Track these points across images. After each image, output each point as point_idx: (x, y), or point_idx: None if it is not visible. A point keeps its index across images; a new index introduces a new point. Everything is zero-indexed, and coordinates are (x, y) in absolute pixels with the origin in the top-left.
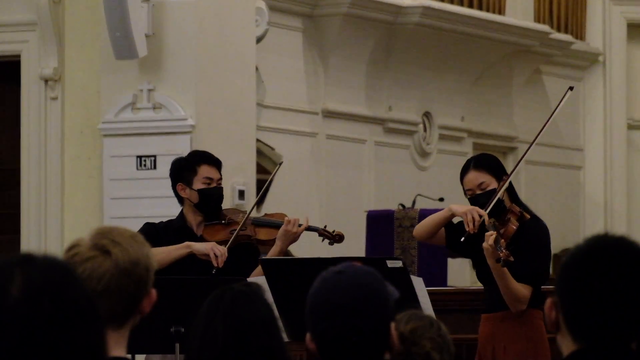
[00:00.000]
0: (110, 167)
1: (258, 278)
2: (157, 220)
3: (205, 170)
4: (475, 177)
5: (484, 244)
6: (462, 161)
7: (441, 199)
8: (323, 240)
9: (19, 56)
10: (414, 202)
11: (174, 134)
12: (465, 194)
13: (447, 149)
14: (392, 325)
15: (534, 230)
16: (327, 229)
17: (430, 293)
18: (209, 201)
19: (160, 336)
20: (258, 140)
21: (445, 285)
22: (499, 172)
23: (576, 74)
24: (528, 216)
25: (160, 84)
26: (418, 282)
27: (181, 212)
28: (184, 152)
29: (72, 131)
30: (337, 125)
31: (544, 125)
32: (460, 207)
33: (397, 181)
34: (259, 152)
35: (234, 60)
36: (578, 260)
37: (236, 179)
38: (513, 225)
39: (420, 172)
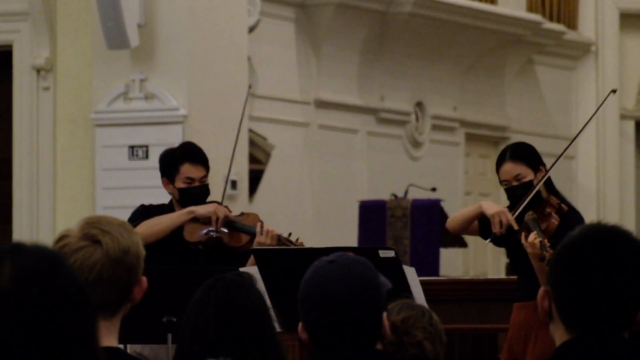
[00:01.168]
0: (103, 157)
1: (250, 268)
2: None
3: (187, 169)
4: (512, 169)
5: (530, 250)
6: (455, 151)
7: (434, 189)
8: None
9: (11, 46)
10: (406, 192)
11: (166, 124)
12: (500, 183)
13: (440, 138)
14: (384, 315)
15: (572, 223)
16: (290, 237)
17: (422, 283)
18: (190, 201)
19: (152, 326)
20: (250, 130)
21: (438, 275)
22: (536, 163)
23: (569, 63)
24: (566, 208)
25: (152, 73)
26: (410, 272)
27: (170, 201)
28: (176, 142)
29: (64, 121)
30: (329, 115)
31: (584, 126)
32: (490, 207)
33: (389, 171)
34: (251, 142)
35: (226, 50)
36: (570, 250)
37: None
38: (555, 221)
39: (412, 162)
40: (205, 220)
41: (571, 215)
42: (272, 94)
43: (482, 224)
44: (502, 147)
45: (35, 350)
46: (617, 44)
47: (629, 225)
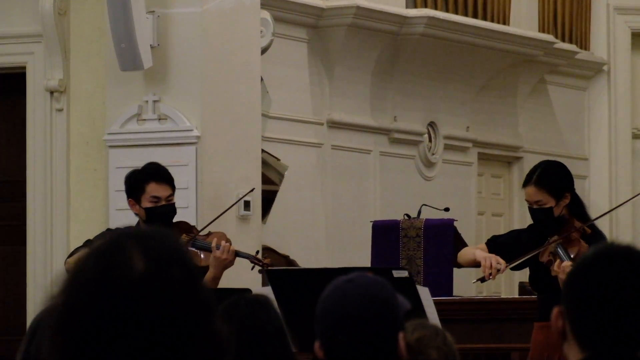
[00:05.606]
0: (116, 178)
1: (264, 289)
2: None
3: (152, 189)
4: (534, 193)
5: (562, 276)
6: (468, 171)
7: (447, 209)
8: (253, 268)
9: (24, 68)
10: (419, 212)
11: (180, 145)
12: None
13: (452, 159)
14: (401, 335)
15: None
16: (258, 255)
17: (436, 303)
18: (156, 220)
19: None
20: (263, 151)
21: (451, 295)
22: (560, 191)
23: (581, 83)
24: (589, 230)
25: (165, 95)
26: (424, 292)
27: (137, 223)
28: (190, 163)
29: (78, 142)
30: (342, 135)
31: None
32: (482, 253)
33: (402, 191)
34: (264, 163)
35: (239, 71)
36: (584, 269)
37: (242, 189)
38: (583, 248)
39: (425, 182)
40: None
41: (595, 238)
42: (285, 114)
43: (497, 249)
44: (514, 167)
45: (189, 323)
46: (629, 64)
47: None
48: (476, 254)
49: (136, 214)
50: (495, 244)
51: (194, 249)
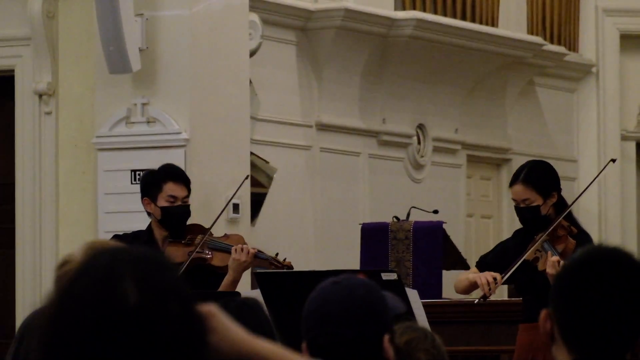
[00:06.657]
0: (105, 181)
1: (253, 291)
2: None
3: (170, 188)
4: (522, 192)
5: (551, 270)
6: (456, 173)
7: (435, 211)
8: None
9: (13, 71)
10: (408, 215)
11: (168, 148)
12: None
13: (441, 161)
14: (386, 338)
15: (585, 245)
16: (277, 257)
17: (425, 305)
18: (171, 219)
19: None
20: (252, 154)
21: (440, 297)
22: (548, 189)
23: (569, 85)
24: (575, 230)
25: (154, 98)
26: (413, 295)
27: (149, 225)
28: (179, 165)
29: (67, 145)
30: (331, 138)
31: (588, 186)
32: (474, 274)
33: (391, 194)
34: (253, 165)
35: (227, 74)
36: (572, 271)
37: (230, 192)
38: (570, 244)
39: (414, 184)
40: (187, 243)
41: (582, 237)
42: (274, 117)
43: (487, 265)
44: (503, 169)
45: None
46: (617, 65)
47: (631, 246)
48: (469, 277)
49: (149, 214)
50: (485, 264)
51: (207, 251)
